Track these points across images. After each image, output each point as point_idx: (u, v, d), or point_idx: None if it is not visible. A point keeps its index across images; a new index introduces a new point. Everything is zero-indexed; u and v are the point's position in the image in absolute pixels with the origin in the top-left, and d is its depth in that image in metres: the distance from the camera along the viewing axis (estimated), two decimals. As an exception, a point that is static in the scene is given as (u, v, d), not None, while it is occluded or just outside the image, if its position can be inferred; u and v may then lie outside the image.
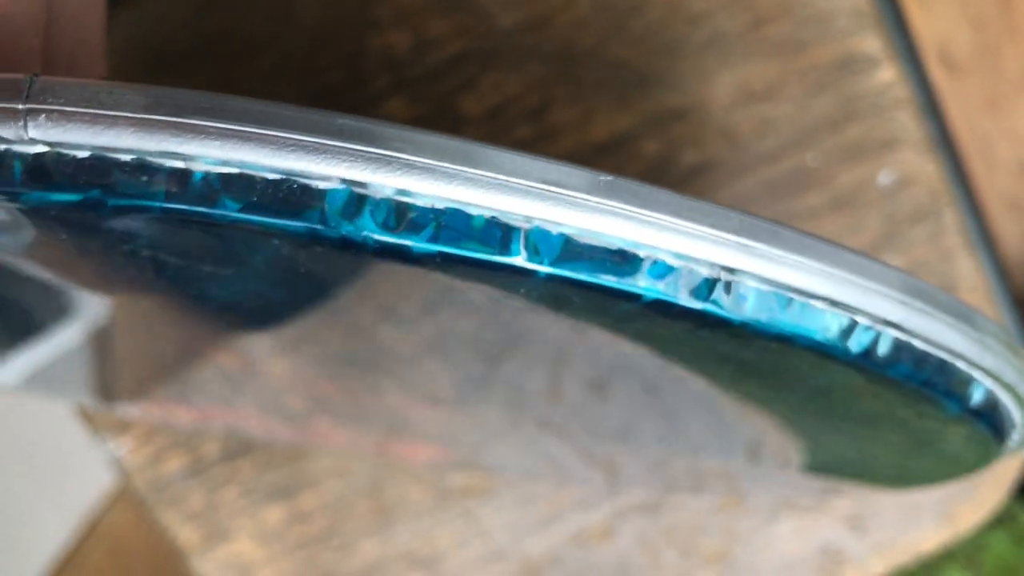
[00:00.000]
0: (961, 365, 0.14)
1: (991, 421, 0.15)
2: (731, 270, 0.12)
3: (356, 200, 0.11)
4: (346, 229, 0.11)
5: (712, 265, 0.12)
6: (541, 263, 0.12)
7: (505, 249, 0.12)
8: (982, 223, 0.31)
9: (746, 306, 0.13)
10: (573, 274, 0.12)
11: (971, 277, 0.30)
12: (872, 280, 0.13)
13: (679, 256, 0.12)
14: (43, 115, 0.11)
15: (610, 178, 0.12)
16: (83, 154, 0.11)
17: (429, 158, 0.11)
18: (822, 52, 0.28)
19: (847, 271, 0.13)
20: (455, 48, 0.27)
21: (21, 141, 0.11)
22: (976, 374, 0.14)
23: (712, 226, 0.12)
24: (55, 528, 0.94)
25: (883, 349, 0.13)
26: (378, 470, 0.31)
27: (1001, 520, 1.11)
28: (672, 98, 0.28)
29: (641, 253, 0.12)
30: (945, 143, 0.30)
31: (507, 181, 0.12)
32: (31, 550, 0.90)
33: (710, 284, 0.12)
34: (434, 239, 0.12)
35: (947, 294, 0.14)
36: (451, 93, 0.28)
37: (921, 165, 0.29)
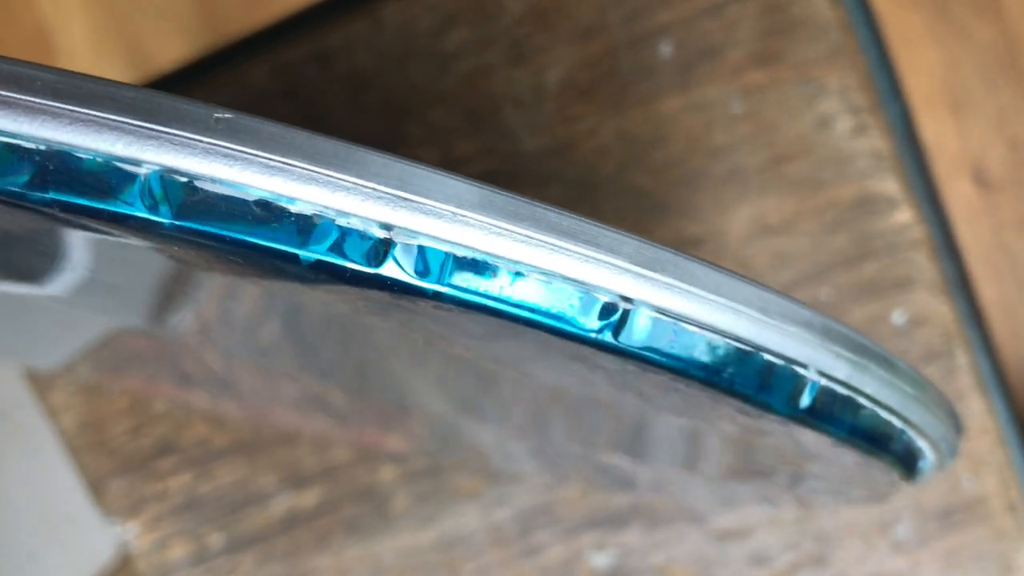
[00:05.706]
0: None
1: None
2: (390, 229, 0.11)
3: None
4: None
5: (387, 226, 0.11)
6: (160, 214, 0.10)
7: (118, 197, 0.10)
8: (996, 365, 0.31)
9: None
10: (200, 226, 0.10)
11: (982, 419, 0.30)
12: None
13: (341, 214, 0.11)
14: None
15: (230, 115, 0.10)
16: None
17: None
18: (840, 191, 0.28)
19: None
20: (480, 167, 0.28)
21: None
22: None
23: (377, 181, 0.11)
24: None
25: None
26: (376, 573, 0.31)
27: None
28: (689, 227, 0.28)
29: (293, 208, 0.10)
30: (961, 285, 0.30)
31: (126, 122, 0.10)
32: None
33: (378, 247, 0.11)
34: (39, 185, 0.10)
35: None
36: (474, 209, 0.28)
37: (935, 306, 0.29)
